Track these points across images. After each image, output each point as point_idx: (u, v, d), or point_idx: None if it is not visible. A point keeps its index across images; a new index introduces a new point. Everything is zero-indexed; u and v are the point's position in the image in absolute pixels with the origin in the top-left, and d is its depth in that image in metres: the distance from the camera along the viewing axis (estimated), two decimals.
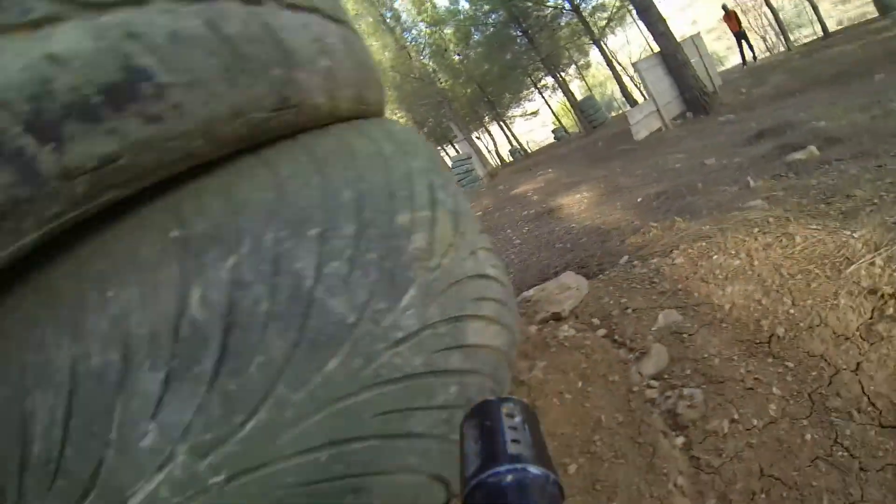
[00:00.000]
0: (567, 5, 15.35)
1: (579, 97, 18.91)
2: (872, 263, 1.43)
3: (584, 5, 15.86)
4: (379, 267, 0.79)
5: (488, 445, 0.37)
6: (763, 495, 0.93)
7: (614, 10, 16.33)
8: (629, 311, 1.61)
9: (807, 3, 14.14)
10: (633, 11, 14.91)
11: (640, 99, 17.42)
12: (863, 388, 1.10)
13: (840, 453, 0.97)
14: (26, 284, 0.72)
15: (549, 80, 20.17)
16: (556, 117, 23.88)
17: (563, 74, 19.29)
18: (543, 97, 21.83)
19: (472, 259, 1.01)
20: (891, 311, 1.28)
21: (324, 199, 0.80)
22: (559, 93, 20.43)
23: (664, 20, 8.72)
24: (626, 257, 2.37)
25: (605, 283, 1.94)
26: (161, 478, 0.67)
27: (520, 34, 17.15)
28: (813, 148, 3.58)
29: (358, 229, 0.80)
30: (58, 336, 0.67)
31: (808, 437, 1.01)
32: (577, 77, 23.10)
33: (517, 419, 0.40)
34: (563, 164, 10.50)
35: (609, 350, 1.43)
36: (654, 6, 8.74)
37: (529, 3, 15.65)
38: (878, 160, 2.78)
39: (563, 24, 16.90)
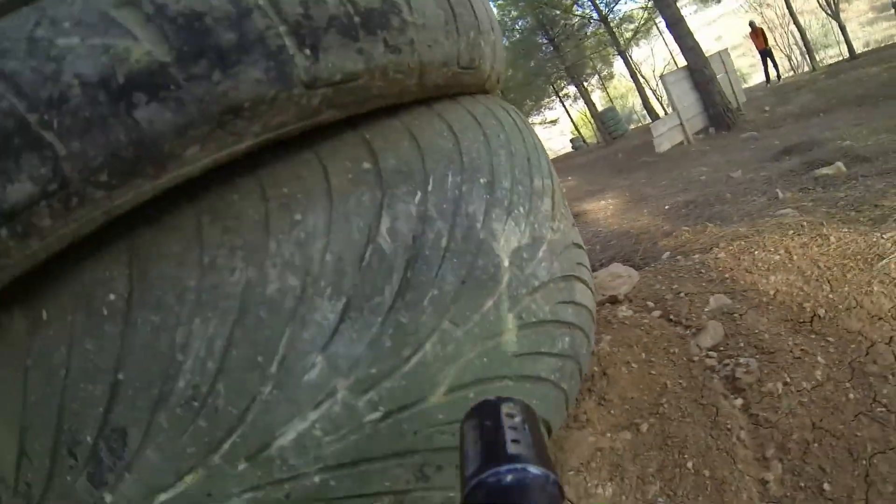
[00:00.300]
0: (595, 15, 15.47)
1: (600, 108, 19.01)
2: None
3: (611, 16, 15.97)
4: (526, 220, 0.86)
5: (488, 445, 0.38)
6: (816, 444, 1.09)
7: (641, 22, 16.41)
8: (682, 295, 1.79)
9: (834, 24, 14.22)
10: (660, 24, 15.12)
11: (661, 112, 17.47)
12: (895, 356, 1.28)
13: (879, 409, 1.13)
14: (193, 202, 0.65)
15: (571, 90, 20.26)
16: (576, 127, 23.97)
17: (585, 84, 19.41)
18: (564, 106, 21.92)
19: (572, 230, 1.13)
20: None
21: (488, 155, 0.86)
22: (580, 102, 20.54)
23: (693, 35, 8.82)
24: (667, 253, 2.55)
25: (654, 273, 2.12)
26: (317, 415, 0.64)
27: (546, 42, 17.21)
28: (840, 164, 3.67)
29: (511, 185, 0.86)
30: (231, 259, 0.62)
31: (851, 396, 1.18)
32: (598, 88, 23.20)
33: (517, 419, 0.40)
34: (583, 172, 10.56)
35: (666, 327, 1.62)
36: (684, 20, 8.83)
37: (557, 12, 15.75)
38: None
39: (589, 33, 16.96)
